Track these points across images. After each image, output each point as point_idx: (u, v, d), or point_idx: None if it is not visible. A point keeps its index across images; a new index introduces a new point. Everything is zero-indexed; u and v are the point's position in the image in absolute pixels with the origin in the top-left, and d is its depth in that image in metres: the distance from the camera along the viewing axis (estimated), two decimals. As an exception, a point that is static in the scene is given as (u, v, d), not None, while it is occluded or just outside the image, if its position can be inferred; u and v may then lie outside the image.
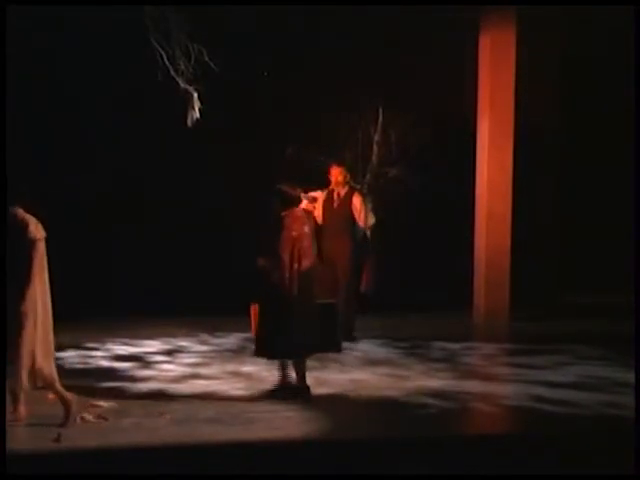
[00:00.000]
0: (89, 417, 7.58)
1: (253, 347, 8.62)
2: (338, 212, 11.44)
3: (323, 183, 11.62)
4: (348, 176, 11.65)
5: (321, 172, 11.77)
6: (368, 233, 11.53)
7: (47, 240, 7.42)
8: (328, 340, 8.59)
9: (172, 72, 10.85)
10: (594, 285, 14.23)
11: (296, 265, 8.27)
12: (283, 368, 8.55)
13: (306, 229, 8.45)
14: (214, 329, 11.81)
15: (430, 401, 8.36)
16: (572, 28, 13.68)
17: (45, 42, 12.11)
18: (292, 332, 8.26)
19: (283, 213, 8.47)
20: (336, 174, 11.52)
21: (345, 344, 11.02)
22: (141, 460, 6.76)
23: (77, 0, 10.71)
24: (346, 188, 11.55)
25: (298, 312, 8.26)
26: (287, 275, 8.24)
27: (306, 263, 8.34)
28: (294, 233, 8.36)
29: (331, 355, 10.45)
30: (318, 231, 11.38)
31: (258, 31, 12.50)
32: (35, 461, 6.64)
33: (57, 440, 6.90)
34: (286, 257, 8.25)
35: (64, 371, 9.31)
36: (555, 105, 14.09)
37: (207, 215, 13.08)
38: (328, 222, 11.43)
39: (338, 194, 11.53)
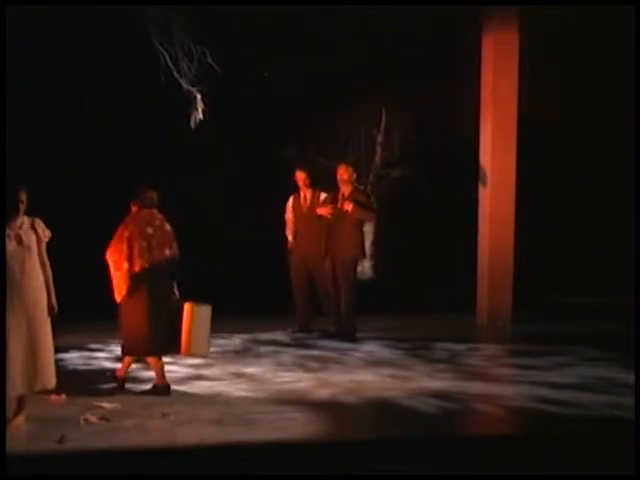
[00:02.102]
0: (92, 418, 7.58)
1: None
2: (342, 211, 11.46)
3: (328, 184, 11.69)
4: (354, 175, 11.65)
5: (327, 173, 11.85)
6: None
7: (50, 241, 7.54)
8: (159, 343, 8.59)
9: (175, 74, 10.87)
10: (598, 285, 14.22)
11: (126, 265, 8.32)
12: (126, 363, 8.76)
13: (149, 230, 8.47)
14: (217, 330, 11.78)
15: (433, 402, 8.35)
16: (576, 28, 13.70)
17: (47, 43, 12.12)
18: (129, 330, 8.49)
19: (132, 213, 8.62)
20: (341, 172, 11.55)
21: (348, 345, 11.08)
22: (144, 461, 6.76)
23: (79, 1, 10.72)
24: (350, 187, 11.56)
25: (133, 311, 8.41)
26: (116, 274, 8.35)
27: (141, 264, 8.36)
28: (127, 233, 8.41)
29: (334, 356, 10.48)
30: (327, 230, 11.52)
31: (260, 31, 12.49)
32: (38, 462, 6.64)
33: (60, 441, 6.91)
34: (114, 256, 8.34)
35: (67, 372, 9.35)
36: (559, 106, 14.09)
37: (210, 215, 13.09)
38: (332, 221, 11.47)
39: (342, 193, 11.54)
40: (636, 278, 10.89)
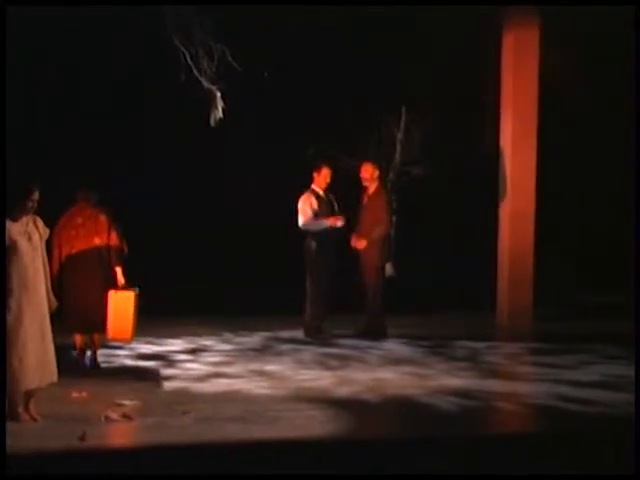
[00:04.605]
0: (113, 416, 7.60)
1: None
2: (366, 209, 11.51)
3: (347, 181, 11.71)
4: (376, 172, 11.67)
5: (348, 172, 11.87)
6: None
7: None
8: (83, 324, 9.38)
9: (195, 72, 10.88)
10: (619, 284, 14.16)
11: (57, 252, 9.20)
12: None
13: (78, 220, 9.32)
14: (237, 328, 11.84)
15: (453, 400, 8.34)
16: (596, 25, 13.64)
17: (65, 42, 12.15)
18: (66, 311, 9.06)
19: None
20: (362, 171, 11.60)
21: (368, 343, 11.07)
22: (165, 459, 6.76)
23: (98, 0, 10.74)
24: (375, 185, 11.61)
25: (68, 292, 9.13)
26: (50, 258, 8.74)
27: (68, 249, 9.24)
28: (59, 224, 9.26)
29: (354, 354, 10.48)
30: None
31: (279, 30, 12.49)
32: (59, 460, 6.66)
33: (82, 439, 6.93)
34: (52, 244, 8.90)
35: (89, 370, 9.40)
36: (579, 102, 14.04)
37: (229, 215, 13.11)
38: (358, 219, 11.54)
39: (367, 191, 11.61)
40: (636, 278, 10.85)
